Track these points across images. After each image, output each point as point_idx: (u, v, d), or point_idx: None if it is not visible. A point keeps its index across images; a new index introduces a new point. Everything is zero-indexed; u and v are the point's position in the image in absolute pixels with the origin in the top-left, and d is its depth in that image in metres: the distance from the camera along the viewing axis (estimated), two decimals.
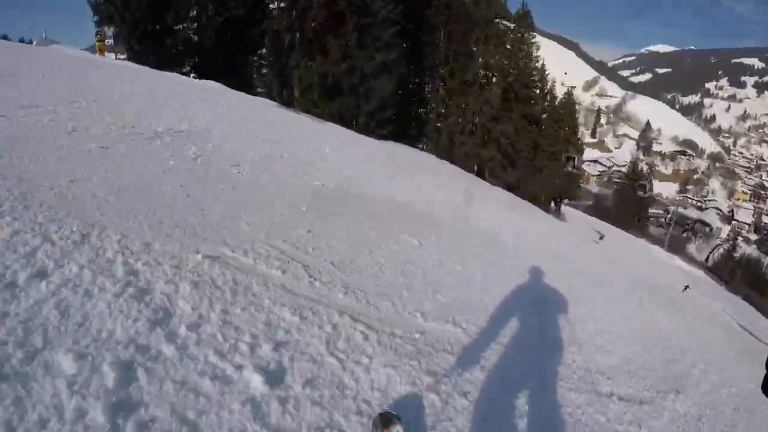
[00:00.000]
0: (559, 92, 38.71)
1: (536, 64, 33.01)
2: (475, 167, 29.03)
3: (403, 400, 3.10)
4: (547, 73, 34.77)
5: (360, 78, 22.17)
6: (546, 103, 35.18)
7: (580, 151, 40.06)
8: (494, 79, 29.73)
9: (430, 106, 26.76)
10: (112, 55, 21.67)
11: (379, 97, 22.48)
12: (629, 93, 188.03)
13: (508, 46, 30.76)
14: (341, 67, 21.76)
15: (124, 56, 22.69)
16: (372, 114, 22.45)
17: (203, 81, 18.06)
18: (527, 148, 33.15)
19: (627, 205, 69.97)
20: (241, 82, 22.59)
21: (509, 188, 30.83)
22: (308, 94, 21.00)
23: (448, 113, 26.72)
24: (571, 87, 48.95)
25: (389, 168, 13.48)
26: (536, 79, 33.69)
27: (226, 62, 23.03)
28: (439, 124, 26.32)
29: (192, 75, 22.64)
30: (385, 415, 2.48)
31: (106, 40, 21.79)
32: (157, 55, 21.79)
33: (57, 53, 16.18)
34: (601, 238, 28.92)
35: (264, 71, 23.86)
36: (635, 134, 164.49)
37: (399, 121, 23.56)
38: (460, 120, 27.43)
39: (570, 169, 38.08)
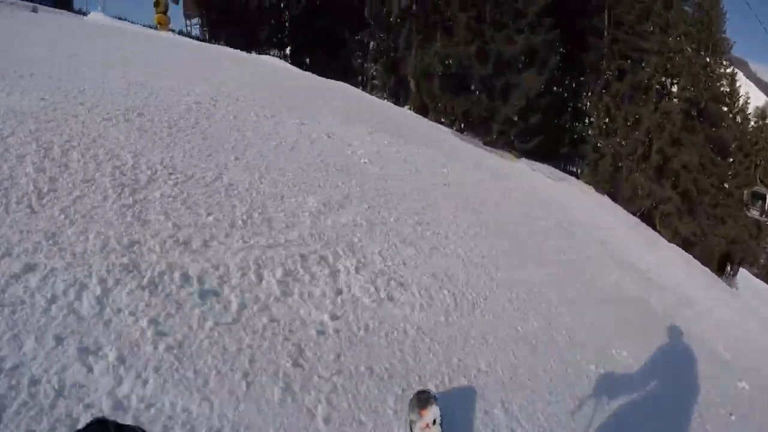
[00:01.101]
0: None
1: (726, 71, 24.65)
2: (643, 209, 21.10)
3: None
4: (738, 84, 26.40)
5: (495, 67, 15.75)
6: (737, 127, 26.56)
7: None
8: (674, 87, 21.93)
9: (589, 117, 19.53)
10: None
11: (522, 95, 15.82)
12: None
13: (693, 45, 22.78)
14: (470, 49, 15.48)
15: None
16: (511, 120, 15.79)
17: (259, 57, 12.68)
18: (711, 188, 24.50)
19: None
20: (337, 68, 17.11)
21: (684, 244, 22.63)
22: (425, 85, 14.86)
23: (612, 128, 19.37)
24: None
25: None
26: (726, 91, 25.20)
27: (320, 41, 17.68)
28: (599, 143, 18.97)
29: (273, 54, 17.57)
30: (423, 394, 2.28)
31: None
32: (229, 29, 16.87)
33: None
34: None
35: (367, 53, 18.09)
36: None
37: (547, 133, 16.67)
38: (626, 140, 19.93)
39: (757, 214, 28.41)
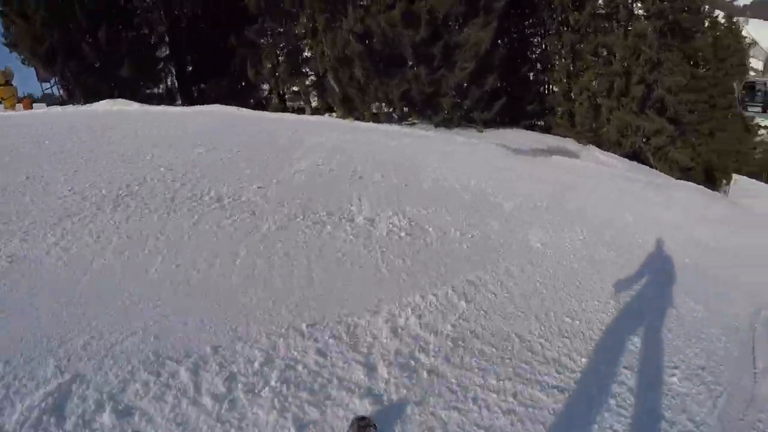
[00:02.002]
0: None
1: None
2: (634, 148, 17.70)
3: None
4: None
5: (429, 29, 11.97)
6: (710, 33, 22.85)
7: None
8: (638, 4, 18.08)
9: (552, 62, 15.74)
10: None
11: (470, 56, 12.09)
12: (739, 19, 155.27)
13: None
14: (393, 14, 11.66)
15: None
16: (463, 88, 12.08)
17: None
18: (698, 105, 20.98)
19: None
20: (232, 86, 13.21)
21: (682, 171, 19.59)
22: (346, 74, 11.10)
23: (580, 67, 15.69)
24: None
25: None
26: None
27: (204, 59, 13.59)
28: (570, 87, 15.32)
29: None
30: (363, 420, 2.16)
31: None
32: (87, 79, 12.65)
33: None
34: None
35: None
36: (759, 65, 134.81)
37: (508, 93, 13.01)
38: (599, 76, 16.29)
39: (759, 109, 24.61)
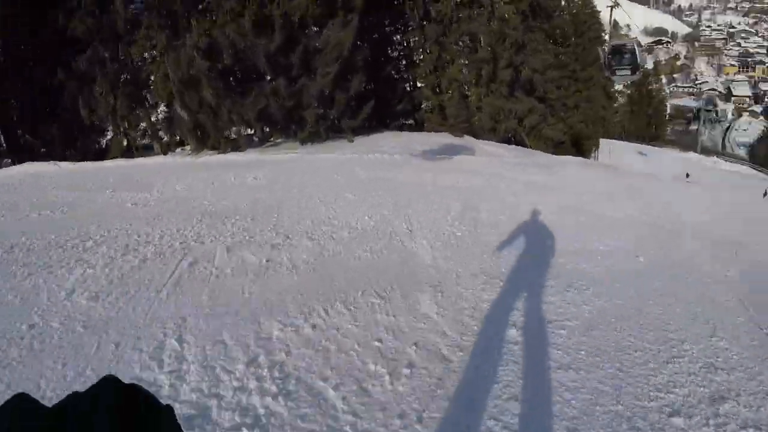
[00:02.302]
0: None
1: None
2: (509, 133, 18.12)
3: None
4: None
5: (285, 35, 10.92)
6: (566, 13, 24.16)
7: None
8: None
9: (417, 58, 15.38)
10: None
11: (332, 59, 11.26)
12: None
13: None
14: (243, 23, 10.45)
15: None
16: (328, 95, 11.26)
17: None
18: (567, 82, 22.36)
19: (637, 114, 60.22)
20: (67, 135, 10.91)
21: (555, 145, 20.79)
22: (194, 98, 9.74)
23: (446, 59, 15.54)
24: None
25: None
26: None
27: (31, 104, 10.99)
28: (438, 80, 15.13)
29: None
30: None
31: None
32: None
33: None
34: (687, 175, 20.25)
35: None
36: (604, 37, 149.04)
37: (375, 95, 12.46)
38: (467, 66, 16.33)
39: (628, 73, 26.16)
